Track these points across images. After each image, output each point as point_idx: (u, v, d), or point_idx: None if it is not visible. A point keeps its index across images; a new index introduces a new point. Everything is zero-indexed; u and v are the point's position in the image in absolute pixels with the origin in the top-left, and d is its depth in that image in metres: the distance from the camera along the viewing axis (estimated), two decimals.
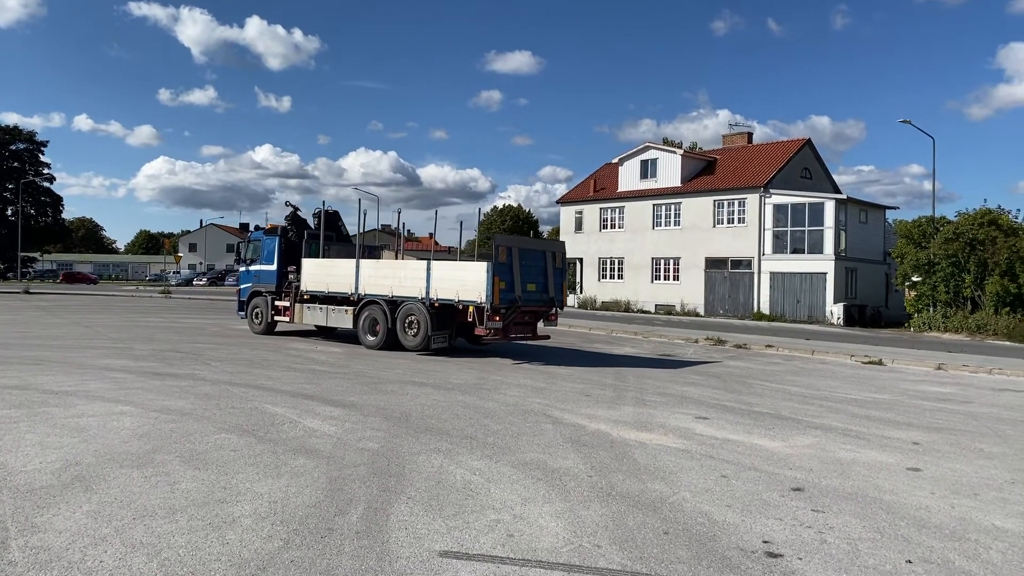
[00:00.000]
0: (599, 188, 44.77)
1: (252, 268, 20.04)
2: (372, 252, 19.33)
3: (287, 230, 19.38)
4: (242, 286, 20.68)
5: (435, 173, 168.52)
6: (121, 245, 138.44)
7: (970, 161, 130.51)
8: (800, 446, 7.99)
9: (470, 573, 4.22)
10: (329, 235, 19.01)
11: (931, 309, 30.91)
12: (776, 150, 40.73)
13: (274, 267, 19.09)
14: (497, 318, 14.69)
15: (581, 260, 43.95)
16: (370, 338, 16.59)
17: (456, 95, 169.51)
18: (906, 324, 31.56)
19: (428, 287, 15.57)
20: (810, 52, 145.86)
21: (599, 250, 43.53)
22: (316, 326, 18.54)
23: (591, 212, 44.23)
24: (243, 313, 20.33)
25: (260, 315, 19.48)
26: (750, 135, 44.67)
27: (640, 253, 41.32)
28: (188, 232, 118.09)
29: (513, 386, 11.77)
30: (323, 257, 18.21)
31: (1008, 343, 24.94)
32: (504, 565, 4.35)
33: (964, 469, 7.16)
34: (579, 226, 44.85)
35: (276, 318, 19.05)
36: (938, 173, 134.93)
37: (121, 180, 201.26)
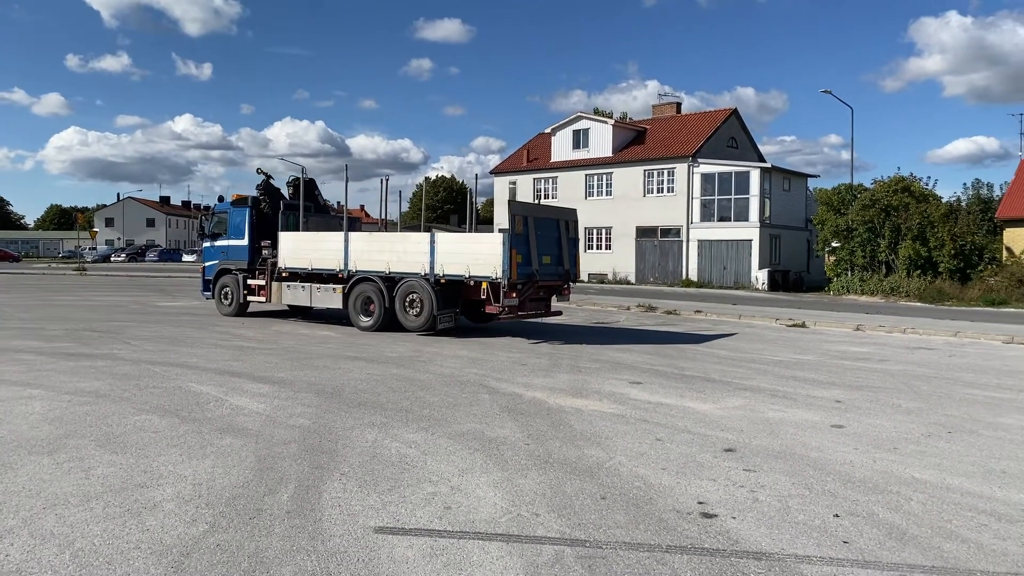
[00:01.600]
0: (532, 158, 44.70)
1: (219, 243, 18.10)
2: (353, 225, 17.99)
3: (259, 201, 17.58)
4: (207, 263, 18.61)
5: (365, 144, 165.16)
6: (30, 221, 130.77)
7: (885, 132, 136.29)
8: (730, 408, 8.18)
9: (407, 548, 4.12)
10: (307, 205, 17.44)
11: (849, 273, 32.25)
12: (704, 120, 41.43)
13: (245, 242, 17.33)
14: (514, 295, 13.30)
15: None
16: (364, 319, 15.06)
17: (385, 64, 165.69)
18: (826, 288, 32.87)
19: (432, 262, 14.09)
20: (735, 24, 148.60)
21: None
22: (289, 306, 17.34)
23: (525, 182, 44.15)
24: (209, 293, 18.49)
25: (229, 295, 17.68)
26: (679, 105, 45.29)
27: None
28: (104, 206, 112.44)
29: (449, 358, 11.65)
30: (303, 230, 16.72)
31: (919, 304, 26.27)
32: (442, 539, 4.26)
33: (884, 424, 7.46)
34: (513, 197, 44.71)
35: (249, 298, 17.34)
36: (856, 143, 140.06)
37: (28, 152, 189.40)
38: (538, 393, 8.81)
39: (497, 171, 46.56)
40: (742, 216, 35.70)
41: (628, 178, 39.46)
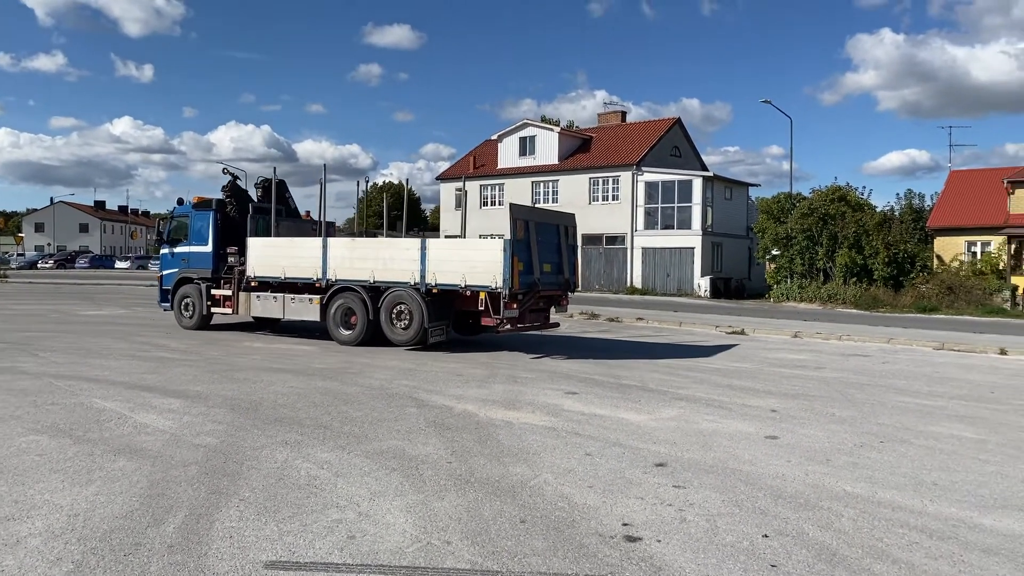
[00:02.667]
0: (479, 165, 44.39)
1: (179, 250, 16.49)
2: (329, 230, 16.43)
3: (224, 203, 16.17)
4: (164, 272, 16.96)
5: (313, 149, 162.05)
6: None
7: (824, 143, 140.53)
8: (665, 419, 7.96)
9: None
10: (278, 209, 16.01)
11: (789, 280, 32.83)
12: (648, 129, 41.81)
13: (208, 248, 15.84)
14: (514, 305, 12.34)
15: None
16: (344, 332, 13.87)
17: (333, 68, 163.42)
18: (767, 295, 33.40)
19: (423, 270, 12.98)
20: (681, 36, 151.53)
21: (480, 227, 43.21)
22: (255, 318, 16.04)
23: (471, 189, 43.74)
24: (167, 304, 16.84)
25: (191, 307, 16.14)
26: (624, 114, 45.65)
27: (501, 228, 41.35)
28: (34, 211, 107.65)
29: (380, 369, 11.20)
30: (274, 235, 15.39)
31: (855, 311, 26.83)
32: (338, 573, 3.86)
33: (817, 435, 7.34)
34: (460, 203, 44.28)
35: (213, 309, 15.83)
36: (795, 155, 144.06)
37: None
38: (469, 405, 8.45)
39: (443, 177, 46.12)
40: (685, 224, 36.05)
41: (574, 186, 39.50)
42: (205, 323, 16.21)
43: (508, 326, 12.71)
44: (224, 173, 16.90)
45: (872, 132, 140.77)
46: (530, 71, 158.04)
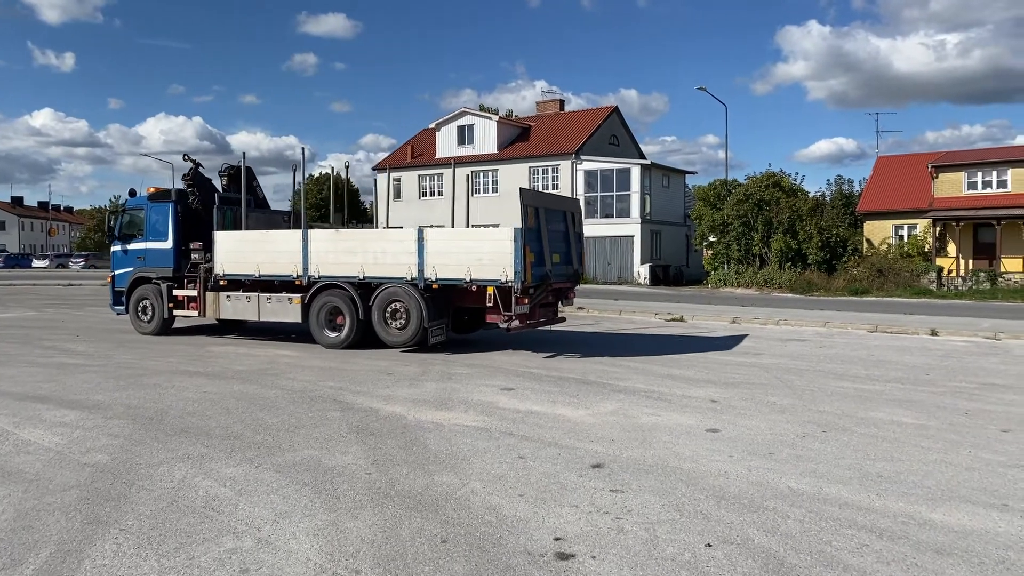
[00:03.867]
0: (416, 154, 43.54)
1: (133, 247, 14.92)
2: (290, 221, 15.42)
3: (186, 194, 14.57)
4: (116, 271, 15.33)
5: (247, 140, 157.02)
6: None
7: (757, 132, 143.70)
8: (603, 413, 7.60)
9: None
10: (247, 199, 14.41)
11: (726, 266, 33.21)
12: (586, 117, 41.70)
13: (169, 244, 14.32)
14: (526, 300, 11.28)
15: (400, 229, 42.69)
16: (329, 334, 12.64)
17: (267, 58, 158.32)
18: (704, 281, 33.73)
19: (422, 263, 11.81)
20: (618, 27, 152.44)
21: (419, 218, 42.30)
22: (219, 320, 14.72)
23: (410, 179, 42.94)
24: (121, 308, 15.23)
25: (150, 309, 14.59)
26: (562, 103, 45.45)
27: (460, 222, 40.77)
28: None
29: (306, 369, 10.55)
30: (244, 228, 13.98)
31: (791, 295, 27.25)
32: None
33: (759, 426, 7.08)
34: (398, 194, 43.38)
35: (176, 312, 14.34)
36: (730, 143, 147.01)
37: None
38: (398, 407, 7.91)
39: (380, 167, 45.03)
40: (624, 212, 36.09)
41: (514, 175, 39.06)
42: (167, 327, 14.65)
43: (517, 323, 11.53)
44: (185, 160, 15.12)
45: (802, 121, 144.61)
46: (469, 61, 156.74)
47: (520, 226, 11.26)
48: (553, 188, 37.91)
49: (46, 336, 14.49)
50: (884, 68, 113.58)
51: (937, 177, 31.95)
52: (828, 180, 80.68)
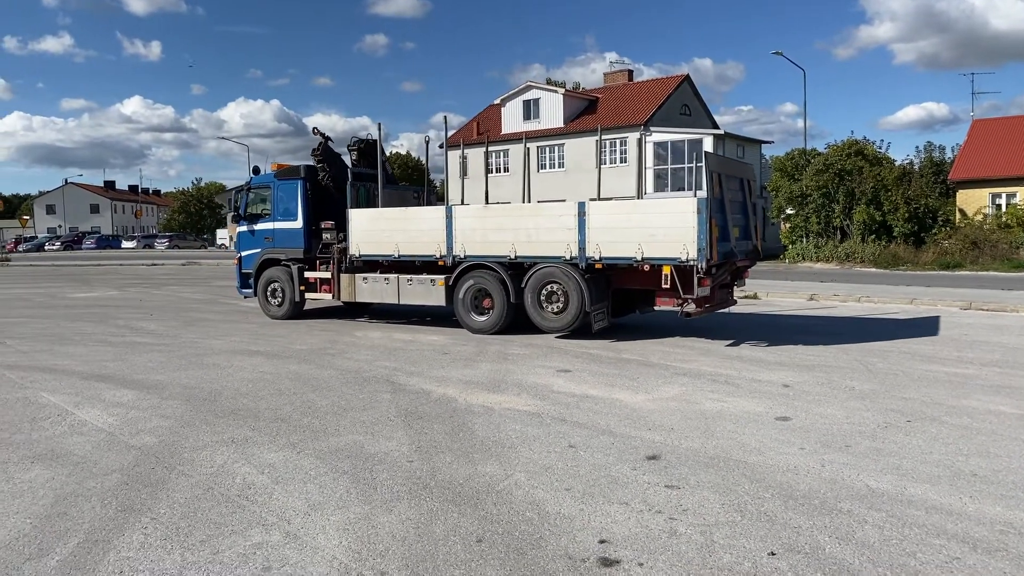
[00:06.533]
0: (482, 131, 43.22)
1: (260, 227, 14.11)
2: (421, 197, 14.72)
3: (315, 170, 13.66)
4: (243, 253, 14.52)
5: (322, 122, 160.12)
6: None
7: (838, 99, 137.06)
8: (664, 399, 7.15)
9: None
10: (376, 175, 13.45)
11: (804, 240, 31.69)
12: (656, 87, 40.39)
13: (299, 224, 13.53)
14: (707, 282, 9.96)
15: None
16: (477, 318, 11.73)
17: (339, 40, 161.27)
18: (781, 256, 32.29)
19: (582, 240, 10.64)
20: None
21: (486, 196, 42.27)
22: (345, 302, 13.72)
23: (476, 156, 42.70)
24: (248, 291, 14.52)
25: (280, 293, 13.84)
26: (630, 72, 44.15)
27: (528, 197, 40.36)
28: (44, 193, 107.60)
29: (364, 348, 10.46)
30: (379, 206, 13.00)
31: (874, 270, 25.75)
32: None
33: (835, 414, 6.50)
34: (465, 171, 43.24)
35: (308, 295, 13.52)
36: (809, 112, 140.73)
37: None
38: (450, 389, 7.68)
39: (448, 145, 44.94)
40: (697, 185, 34.86)
41: (580, 149, 38.30)
42: (298, 311, 13.90)
43: (694, 307, 10.17)
44: (314, 133, 14.08)
45: (888, 86, 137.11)
46: (538, 36, 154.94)
47: (704, 195, 9.92)
48: (622, 162, 36.98)
49: (122, 315, 14.97)
50: (980, 26, 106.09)
51: None
52: (916, 147, 76.22)
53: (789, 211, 32.62)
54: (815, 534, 3.94)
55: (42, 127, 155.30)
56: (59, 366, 9.19)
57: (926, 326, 12.28)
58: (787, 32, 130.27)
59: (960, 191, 30.87)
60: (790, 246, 32.15)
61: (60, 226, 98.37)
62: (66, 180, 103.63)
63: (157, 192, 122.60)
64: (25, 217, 53.69)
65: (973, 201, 30.08)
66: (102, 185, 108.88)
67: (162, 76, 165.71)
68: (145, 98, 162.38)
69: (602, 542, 3.87)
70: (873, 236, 28.99)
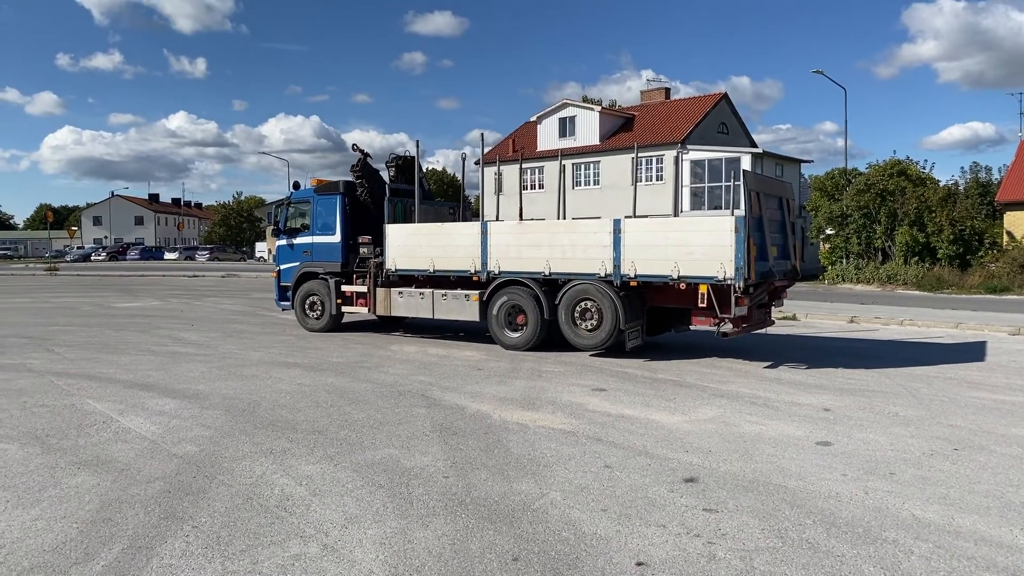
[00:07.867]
0: (518, 148, 43.46)
1: (299, 241, 14.41)
2: (456, 213, 14.95)
3: (354, 186, 13.98)
4: (282, 266, 14.81)
5: (360, 138, 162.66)
6: (20, 220, 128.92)
7: (879, 119, 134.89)
8: (702, 420, 7.07)
9: None
10: (413, 191, 13.64)
11: (844, 261, 31.14)
12: (693, 105, 40.23)
13: (337, 238, 13.82)
14: (745, 301, 9.88)
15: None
16: (511, 334, 11.74)
17: (377, 57, 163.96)
18: (820, 276, 31.77)
19: (618, 258, 10.59)
20: (729, 13, 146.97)
21: (524, 212, 42.41)
22: (379, 316, 13.89)
23: (511, 173, 42.92)
24: (286, 303, 14.80)
25: (319, 305, 14.07)
26: (667, 90, 44.05)
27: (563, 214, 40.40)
28: (92, 204, 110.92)
29: (399, 363, 10.53)
30: (416, 221, 13.20)
31: (917, 292, 25.17)
32: None
33: (879, 440, 6.35)
34: (500, 187, 43.48)
35: (344, 308, 13.77)
36: (850, 130, 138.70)
37: (23, 152, 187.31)
38: (485, 405, 7.69)
39: (484, 161, 45.28)
40: (734, 204, 34.55)
41: (616, 167, 38.25)
42: (335, 324, 14.11)
43: (731, 327, 10.09)
44: (354, 150, 14.37)
45: (931, 105, 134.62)
46: (574, 53, 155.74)
47: (742, 214, 9.83)
48: (658, 180, 36.82)
49: (164, 324, 15.31)
50: None
51: None
52: (962, 168, 74.56)
53: (829, 231, 32.10)
54: (859, 563, 3.85)
55: (91, 141, 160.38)
56: (104, 374, 9.42)
57: (972, 351, 11.96)
58: (827, 50, 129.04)
59: (1008, 213, 30.08)
60: (829, 267, 31.62)
61: (106, 237, 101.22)
62: (112, 193, 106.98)
63: (199, 205, 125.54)
64: (74, 228, 55.23)
65: (1021, 223, 29.28)
66: (147, 198, 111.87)
67: (206, 92, 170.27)
68: (189, 113, 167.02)
69: (639, 564, 3.83)
70: (916, 258, 28.37)
